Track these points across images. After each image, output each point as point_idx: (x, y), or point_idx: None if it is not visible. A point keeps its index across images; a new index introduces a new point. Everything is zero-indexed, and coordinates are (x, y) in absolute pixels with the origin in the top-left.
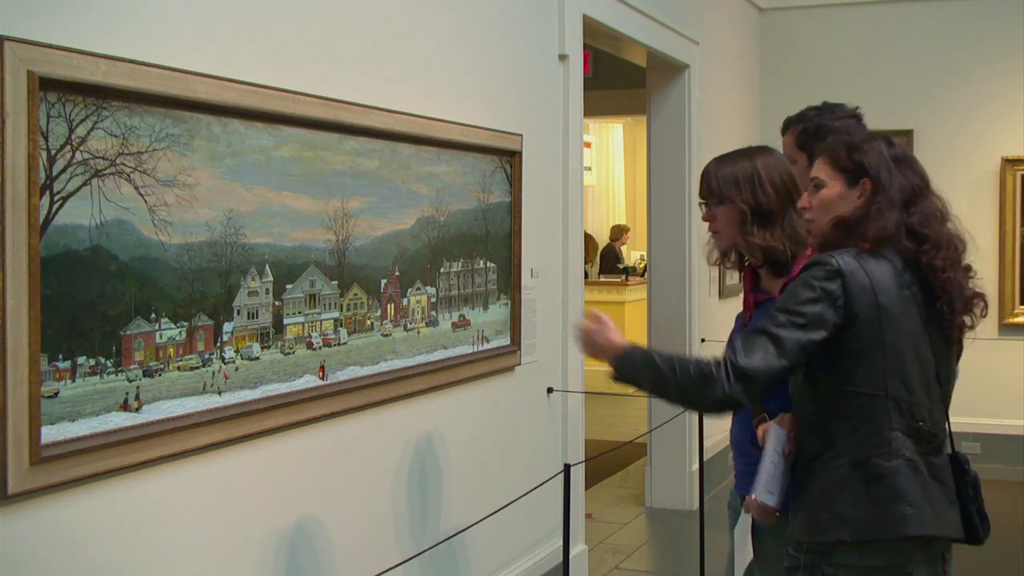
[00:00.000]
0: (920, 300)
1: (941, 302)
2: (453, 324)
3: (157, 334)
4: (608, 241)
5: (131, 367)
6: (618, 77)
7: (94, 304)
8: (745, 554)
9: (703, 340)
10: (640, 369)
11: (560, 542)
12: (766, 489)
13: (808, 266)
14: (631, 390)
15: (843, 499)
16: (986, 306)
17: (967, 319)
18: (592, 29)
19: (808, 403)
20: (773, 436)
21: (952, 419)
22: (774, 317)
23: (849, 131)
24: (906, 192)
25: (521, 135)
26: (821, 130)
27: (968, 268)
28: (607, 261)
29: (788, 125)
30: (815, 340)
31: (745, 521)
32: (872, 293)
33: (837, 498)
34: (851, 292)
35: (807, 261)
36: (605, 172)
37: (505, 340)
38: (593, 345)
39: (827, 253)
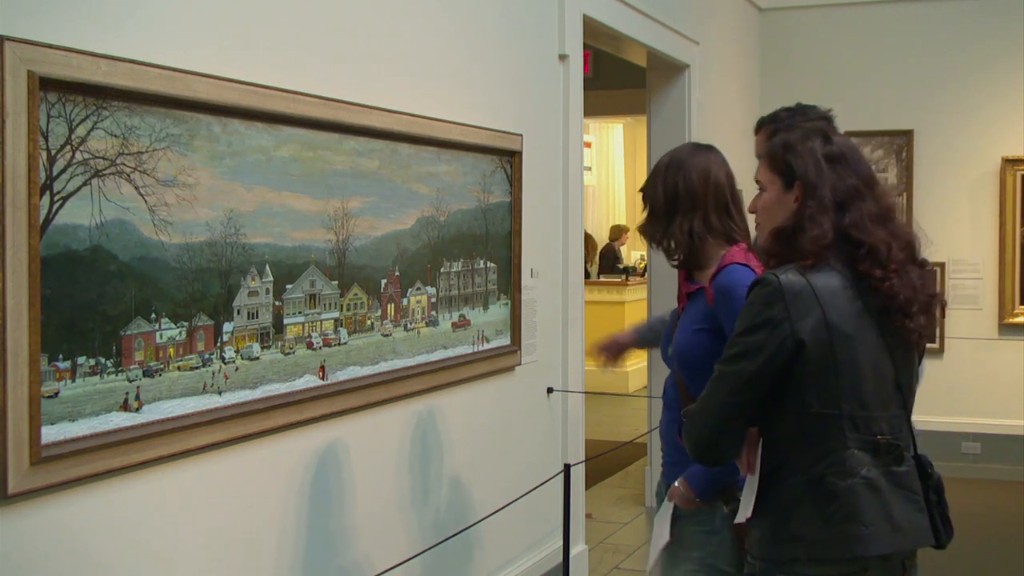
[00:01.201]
0: (875, 309)
1: (893, 310)
2: (453, 324)
3: (157, 334)
4: (608, 241)
5: (131, 367)
6: (618, 77)
7: (94, 304)
8: (661, 539)
9: None
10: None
11: (560, 542)
12: (749, 507)
13: (751, 287)
14: (631, 390)
15: (798, 517)
16: (943, 305)
17: (923, 321)
18: (592, 29)
19: (764, 421)
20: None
21: (952, 419)
22: (725, 350)
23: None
24: (839, 194)
25: (521, 135)
26: (792, 131)
27: (923, 264)
28: (607, 261)
29: (760, 125)
30: (761, 370)
31: (667, 508)
32: (820, 311)
33: (792, 515)
34: (795, 314)
35: (753, 280)
36: (605, 172)
37: (505, 340)
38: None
39: (771, 271)
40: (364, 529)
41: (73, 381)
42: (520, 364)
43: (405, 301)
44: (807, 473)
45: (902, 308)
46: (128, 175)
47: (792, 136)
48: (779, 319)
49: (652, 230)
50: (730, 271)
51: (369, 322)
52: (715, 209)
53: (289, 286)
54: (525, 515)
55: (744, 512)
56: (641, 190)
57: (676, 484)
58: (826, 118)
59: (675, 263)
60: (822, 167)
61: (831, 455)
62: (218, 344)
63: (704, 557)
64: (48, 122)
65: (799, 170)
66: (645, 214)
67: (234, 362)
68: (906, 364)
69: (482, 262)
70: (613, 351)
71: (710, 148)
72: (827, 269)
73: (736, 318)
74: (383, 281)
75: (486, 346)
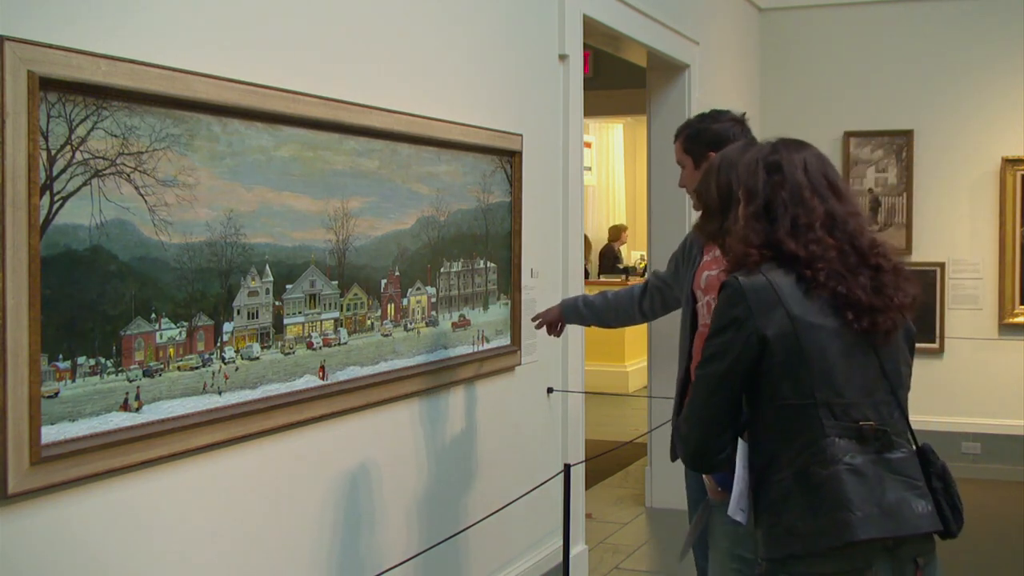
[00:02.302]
0: (832, 305)
1: (837, 308)
2: (453, 324)
3: (157, 334)
4: (608, 242)
5: (131, 367)
6: (618, 77)
7: (94, 304)
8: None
9: None
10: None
11: (560, 542)
12: (738, 507)
13: (719, 290)
14: (631, 390)
15: (790, 511)
16: (909, 307)
17: (877, 320)
18: (592, 29)
19: (749, 420)
20: (740, 452)
21: (952, 419)
22: (702, 352)
23: (733, 135)
24: (770, 205)
25: (521, 135)
26: (701, 134)
27: (878, 268)
28: (607, 261)
29: (677, 134)
30: (731, 368)
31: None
32: (782, 306)
33: (784, 511)
34: (757, 311)
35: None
36: (605, 172)
37: (505, 340)
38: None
39: (734, 273)
40: (364, 529)
41: (73, 381)
42: (520, 364)
43: (405, 301)
44: (793, 466)
45: (845, 305)
46: (128, 175)
47: (749, 151)
48: (743, 317)
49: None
50: None
51: (369, 322)
52: None
53: (289, 286)
54: (525, 515)
55: (743, 515)
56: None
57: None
58: (738, 120)
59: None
60: (759, 176)
61: (812, 445)
62: (218, 344)
63: (731, 547)
64: (48, 122)
65: (736, 182)
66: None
67: (234, 362)
68: (890, 352)
69: (482, 262)
70: (550, 326)
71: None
72: (786, 268)
73: None
74: (383, 281)
75: (486, 346)
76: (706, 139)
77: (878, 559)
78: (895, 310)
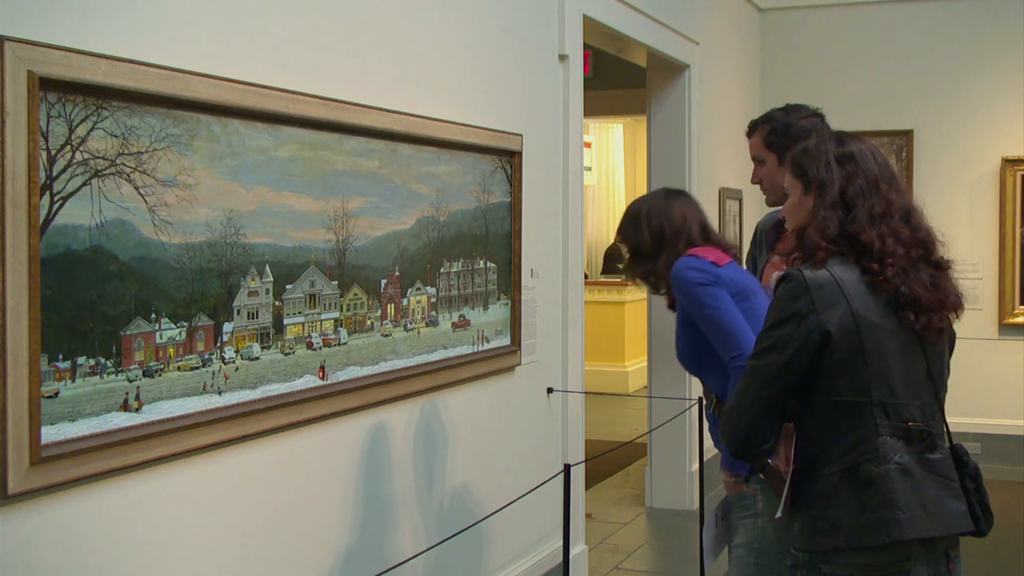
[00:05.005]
0: (886, 302)
1: (898, 305)
2: (453, 324)
3: (157, 334)
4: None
5: (131, 367)
6: (618, 77)
7: (94, 304)
8: (708, 535)
9: None
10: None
11: (560, 542)
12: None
13: (779, 282)
14: (631, 390)
15: (836, 506)
16: (959, 308)
17: (933, 319)
18: (592, 29)
19: (797, 414)
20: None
21: (952, 419)
22: (756, 345)
23: (816, 131)
24: (847, 193)
25: (521, 135)
26: (789, 129)
27: (939, 265)
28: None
29: (754, 127)
30: (790, 362)
31: (715, 512)
32: (846, 302)
33: (830, 505)
34: (821, 305)
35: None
36: (605, 172)
37: (505, 340)
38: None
39: (796, 267)
40: (364, 529)
41: (73, 381)
42: (520, 364)
43: (405, 301)
44: (841, 462)
45: (906, 304)
46: (128, 175)
47: (809, 143)
48: (805, 312)
49: (640, 268)
50: (676, 263)
51: (369, 322)
52: (699, 236)
53: (289, 286)
54: (525, 515)
55: (781, 507)
56: (621, 238)
57: (722, 476)
58: (818, 115)
59: (663, 293)
60: (833, 167)
61: (864, 443)
62: (218, 344)
63: (752, 541)
64: (48, 122)
65: (810, 172)
66: (628, 256)
67: (234, 362)
68: (936, 354)
69: (482, 262)
70: None
71: (681, 192)
72: (846, 263)
73: (682, 291)
74: (383, 281)
75: (486, 346)
76: (794, 133)
77: (915, 552)
78: (949, 310)
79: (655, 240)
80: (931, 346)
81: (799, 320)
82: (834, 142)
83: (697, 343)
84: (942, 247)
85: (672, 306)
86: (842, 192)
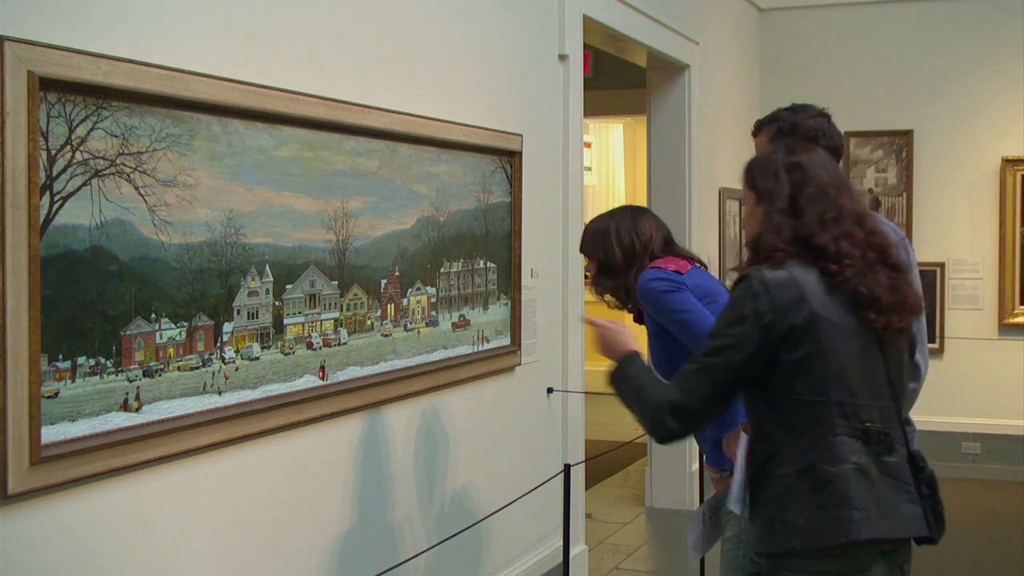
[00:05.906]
0: (846, 303)
1: (858, 305)
2: (453, 324)
3: (157, 334)
4: None
5: (131, 367)
6: (618, 77)
7: (94, 304)
8: (695, 530)
9: None
10: (623, 383)
11: (560, 542)
12: (737, 499)
13: (737, 282)
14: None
15: (792, 507)
16: (919, 310)
17: (893, 320)
18: (592, 29)
19: (753, 412)
20: (742, 444)
21: (952, 419)
22: (706, 343)
23: (822, 131)
24: (795, 200)
25: (521, 135)
26: (796, 129)
27: (898, 268)
28: None
29: (760, 127)
30: (745, 361)
31: (702, 508)
32: (805, 302)
33: (786, 506)
34: (780, 306)
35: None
36: (605, 172)
37: (505, 340)
38: (605, 344)
39: (756, 267)
40: (364, 529)
41: (73, 381)
42: (520, 364)
43: (405, 301)
44: (798, 462)
45: (867, 304)
46: (128, 175)
47: (760, 155)
48: (763, 311)
49: (610, 283)
50: (640, 277)
51: (369, 322)
52: (660, 249)
53: (289, 286)
54: (525, 515)
55: (742, 510)
56: (588, 254)
57: (708, 473)
58: (824, 115)
59: (629, 308)
60: (781, 176)
61: (821, 442)
62: (218, 344)
63: (740, 534)
64: (48, 122)
65: (758, 181)
66: (594, 271)
67: (234, 362)
68: (895, 357)
69: (482, 262)
70: None
71: (646, 209)
72: (804, 265)
73: (649, 302)
74: (383, 281)
75: (486, 346)
76: (800, 133)
77: (876, 562)
78: (909, 311)
79: (626, 256)
80: (890, 347)
81: (758, 318)
82: (783, 152)
83: (674, 351)
84: (897, 251)
85: (639, 319)
86: (792, 199)
